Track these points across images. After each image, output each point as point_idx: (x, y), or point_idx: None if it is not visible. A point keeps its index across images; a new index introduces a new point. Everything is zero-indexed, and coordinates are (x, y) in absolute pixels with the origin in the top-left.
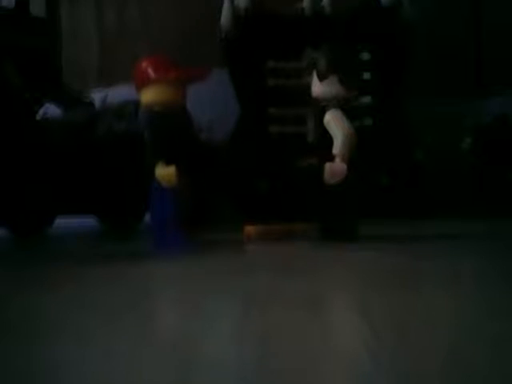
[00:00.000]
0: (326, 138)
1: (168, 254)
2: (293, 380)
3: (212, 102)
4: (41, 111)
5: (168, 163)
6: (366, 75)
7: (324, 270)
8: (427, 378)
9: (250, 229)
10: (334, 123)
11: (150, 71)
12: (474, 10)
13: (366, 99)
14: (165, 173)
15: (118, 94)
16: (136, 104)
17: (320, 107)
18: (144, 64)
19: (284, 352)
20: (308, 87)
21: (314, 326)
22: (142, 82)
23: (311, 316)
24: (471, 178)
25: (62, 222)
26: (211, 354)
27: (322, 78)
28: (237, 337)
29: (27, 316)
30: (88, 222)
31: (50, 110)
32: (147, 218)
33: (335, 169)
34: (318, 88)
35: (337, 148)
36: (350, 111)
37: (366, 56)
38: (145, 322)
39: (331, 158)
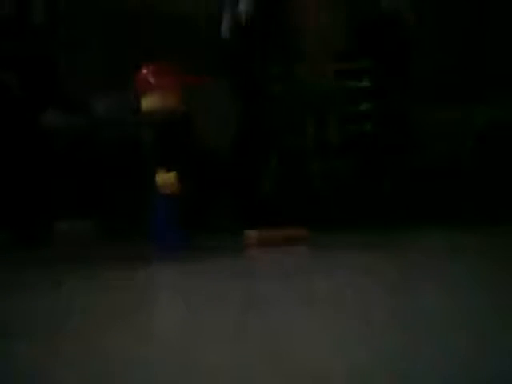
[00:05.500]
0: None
1: (168, 258)
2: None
3: (212, 109)
4: (42, 118)
5: (169, 169)
6: (366, 82)
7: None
8: None
9: (250, 234)
10: None
11: (151, 79)
12: (478, 20)
13: (366, 105)
14: (166, 179)
15: (119, 101)
16: (136, 111)
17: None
18: (144, 72)
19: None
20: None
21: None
22: (143, 90)
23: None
24: (472, 181)
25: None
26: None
27: None
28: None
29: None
30: (88, 225)
31: (51, 117)
32: (148, 223)
33: None
34: None
35: None
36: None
37: (365, 64)
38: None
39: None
